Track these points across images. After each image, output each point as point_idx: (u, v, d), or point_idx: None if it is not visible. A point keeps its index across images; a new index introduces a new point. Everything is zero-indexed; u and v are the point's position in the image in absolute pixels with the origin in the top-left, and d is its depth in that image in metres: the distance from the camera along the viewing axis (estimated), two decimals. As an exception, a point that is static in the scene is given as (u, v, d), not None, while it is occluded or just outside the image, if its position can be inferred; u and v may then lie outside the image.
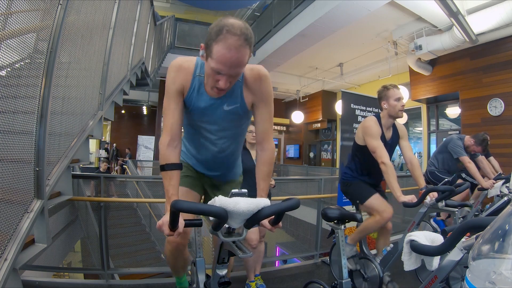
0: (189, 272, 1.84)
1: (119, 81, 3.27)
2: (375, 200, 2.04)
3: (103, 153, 13.09)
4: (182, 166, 1.15)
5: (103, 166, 7.76)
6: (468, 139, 3.26)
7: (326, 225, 1.78)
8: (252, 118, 1.29)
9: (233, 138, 1.30)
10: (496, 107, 5.35)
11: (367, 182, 2.19)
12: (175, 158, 1.13)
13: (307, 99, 11.31)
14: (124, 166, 10.95)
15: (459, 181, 3.41)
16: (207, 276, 1.41)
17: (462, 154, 3.13)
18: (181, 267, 1.45)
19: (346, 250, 2.02)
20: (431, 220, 3.28)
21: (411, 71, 6.78)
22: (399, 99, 2.02)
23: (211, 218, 0.89)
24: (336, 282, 1.70)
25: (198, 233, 1.43)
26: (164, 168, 1.10)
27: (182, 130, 1.32)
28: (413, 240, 1.12)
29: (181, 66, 1.12)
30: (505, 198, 2.79)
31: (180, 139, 1.18)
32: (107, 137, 13.25)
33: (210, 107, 1.17)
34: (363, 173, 2.17)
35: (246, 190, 0.95)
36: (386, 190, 2.51)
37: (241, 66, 0.99)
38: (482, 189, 3.09)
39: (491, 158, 3.86)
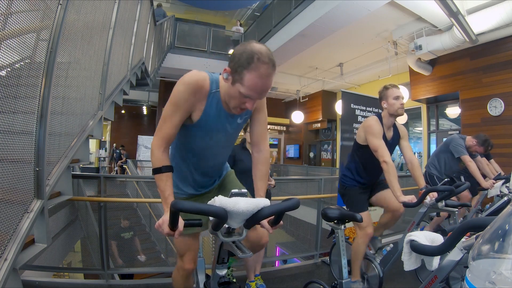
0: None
1: (119, 81, 3.27)
2: (363, 216, 2.04)
3: (103, 153, 13.08)
4: (173, 168, 1.15)
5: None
6: (470, 139, 3.25)
7: (326, 225, 1.78)
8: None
9: (232, 142, 1.35)
10: (496, 107, 5.35)
11: (366, 184, 2.20)
12: (168, 161, 1.14)
13: (307, 99, 11.30)
14: (124, 166, 10.95)
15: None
16: (207, 276, 1.41)
17: (464, 153, 3.12)
18: None
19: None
20: (419, 229, 3.24)
21: (411, 71, 6.78)
22: (397, 97, 2.04)
23: (211, 218, 0.89)
24: (336, 282, 1.70)
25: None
26: (161, 170, 1.11)
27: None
28: (413, 240, 1.12)
29: (198, 87, 1.09)
30: (505, 198, 2.79)
31: (169, 146, 1.18)
32: (107, 137, 13.25)
33: (226, 123, 1.20)
34: (362, 173, 2.18)
35: (246, 190, 0.95)
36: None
37: (268, 91, 1.04)
38: (482, 189, 3.09)
39: (492, 161, 3.86)
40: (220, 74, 1.11)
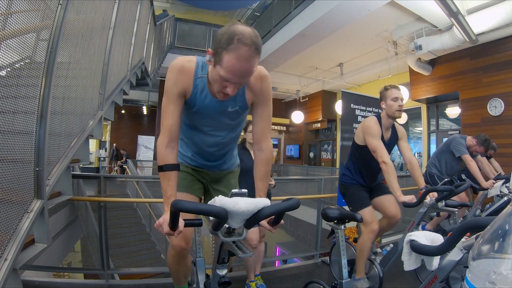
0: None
1: (119, 81, 3.26)
2: (366, 212, 2.04)
3: (103, 153, 13.09)
4: (179, 167, 1.15)
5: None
6: (471, 139, 3.25)
7: (326, 225, 1.78)
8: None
9: (232, 133, 1.31)
10: (496, 107, 5.35)
11: (365, 184, 2.20)
12: (173, 159, 1.13)
13: (307, 99, 11.31)
14: (124, 166, 10.95)
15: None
16: (207, 276, 1.41)
17: (465, 153, 3.13)
18: (183, 275, 1.44)
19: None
20: (419, 227, 3.23)
21: (411, 71, 6.78)
22: (396, 98, 2.02)
23: (211, 218, 0.89)
24: (336, 282, 1.70)
25: (198, 233, 1.43)
26: (162, 168, 1.10)
27: None
28: (413, 240, 1.12)
29: (182, 68, 1.10)
30: (505, 198, 2.79)
31: (177, 140, 1.17)
32: (107, 137, 13.24)
33: (215, 109, 1.17)
34: (361, 174, 2.18)
35: (246, 190, 0.95)
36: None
37: (250, 75, 1.00)
38: (482, 189, 3.09)
39: (492, 160, 3.86)
40: None
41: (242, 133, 2.37)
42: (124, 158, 11.49)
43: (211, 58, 1.00)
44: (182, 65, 1.10)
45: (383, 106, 2.08)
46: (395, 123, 2.17)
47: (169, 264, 1.38)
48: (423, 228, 3.24)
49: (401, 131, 2.19)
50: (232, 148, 1.41)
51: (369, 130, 2.01)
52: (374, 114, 3.25)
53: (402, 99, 2.05)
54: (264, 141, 1.23)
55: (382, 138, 2.06)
